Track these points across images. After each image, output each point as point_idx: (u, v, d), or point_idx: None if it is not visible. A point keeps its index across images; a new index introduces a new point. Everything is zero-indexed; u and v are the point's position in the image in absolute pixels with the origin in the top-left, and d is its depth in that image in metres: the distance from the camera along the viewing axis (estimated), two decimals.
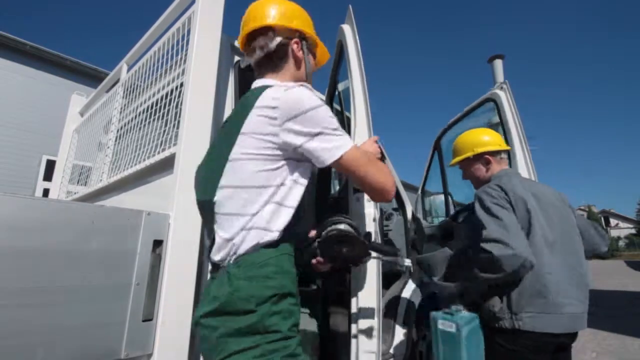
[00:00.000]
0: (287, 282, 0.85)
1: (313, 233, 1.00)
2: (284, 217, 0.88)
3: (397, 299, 2.43)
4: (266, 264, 0.84)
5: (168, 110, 1.39)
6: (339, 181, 2.13)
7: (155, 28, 1.75)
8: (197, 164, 1.08)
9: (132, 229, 1.04)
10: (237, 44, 1.15)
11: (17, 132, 6.28)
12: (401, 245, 2.81)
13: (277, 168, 0.89)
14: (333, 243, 0.92)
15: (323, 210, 1.38)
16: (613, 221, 44.37)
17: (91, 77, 7.16)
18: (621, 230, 42.00)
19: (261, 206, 0.86)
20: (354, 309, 1.33)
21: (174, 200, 1.14)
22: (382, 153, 1.26)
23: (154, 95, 1.62)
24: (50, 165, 5.45)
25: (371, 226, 1.38)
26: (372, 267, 1.36)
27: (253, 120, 0.89)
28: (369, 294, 1.33)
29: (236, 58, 1.56)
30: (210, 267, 0.98)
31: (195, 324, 0.87)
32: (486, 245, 1.30)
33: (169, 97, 1.41)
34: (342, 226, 0.94)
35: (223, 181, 0.89)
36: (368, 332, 1.31)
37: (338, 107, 2.20)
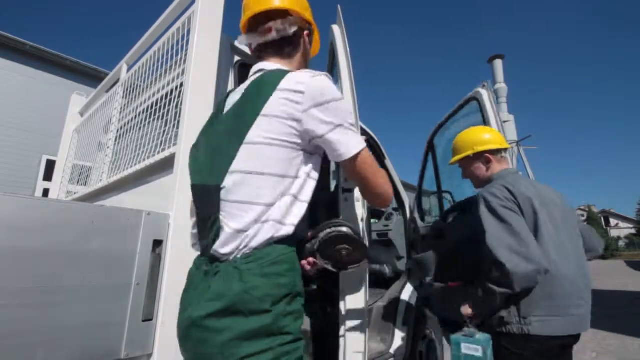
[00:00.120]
0: (298, 281, 0.81)
1: (308, 234, 0.97)
2: (298, 211, 0.83)
3: (396, 299, 2.43)
4: (280, 260, 0.78)
5: (168, 110, 1.39)
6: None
7: (155, 28, 1.75)
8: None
9: (132, 229, 1.04)
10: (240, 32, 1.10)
11: (17, 132, 6.28)
12: (401, 245, 2.82)
13: (295, 158, 0.84)
14: (334, 244, 0.91)
15: (316, 210, 1.37)
16: (613, 221, 44.31)
17: (91, 77, 7.16)
18: (621, 230, 41.92)
19: (278, 197, 0.80)
20: (342, 310, 1.33)
21: (174, 200, 1.14)
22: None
23: (154, 95, 1.62)
24: (50, 165, 5.44)
25: (359, 227, 1.37)
26: (360, 269, 1.35)
27: (276, 102, 0.82)
28: (356, 296, 1.33)
29: (236, 58, 1.56)
30: (201, 259, 0.88)
31: (192, 326, 0.77)
32: (499, 255, 1.23)
33: (169, 97, 1.41)
34: (344, 229, 0.94)
35: (235, 165, 0.81)
36: (356, 333, 1.31)
37: None
